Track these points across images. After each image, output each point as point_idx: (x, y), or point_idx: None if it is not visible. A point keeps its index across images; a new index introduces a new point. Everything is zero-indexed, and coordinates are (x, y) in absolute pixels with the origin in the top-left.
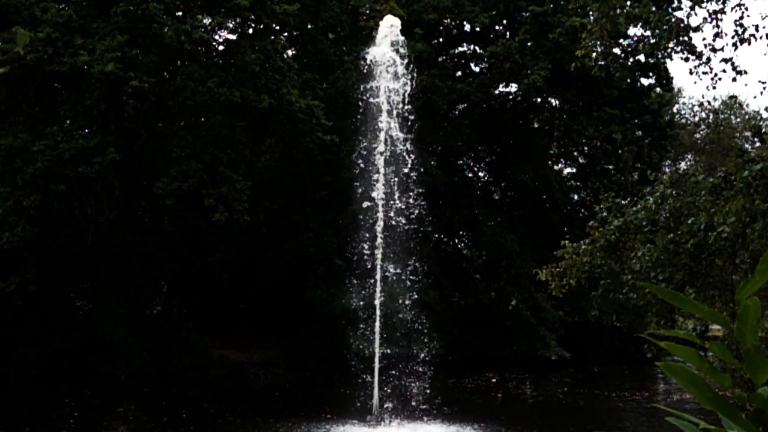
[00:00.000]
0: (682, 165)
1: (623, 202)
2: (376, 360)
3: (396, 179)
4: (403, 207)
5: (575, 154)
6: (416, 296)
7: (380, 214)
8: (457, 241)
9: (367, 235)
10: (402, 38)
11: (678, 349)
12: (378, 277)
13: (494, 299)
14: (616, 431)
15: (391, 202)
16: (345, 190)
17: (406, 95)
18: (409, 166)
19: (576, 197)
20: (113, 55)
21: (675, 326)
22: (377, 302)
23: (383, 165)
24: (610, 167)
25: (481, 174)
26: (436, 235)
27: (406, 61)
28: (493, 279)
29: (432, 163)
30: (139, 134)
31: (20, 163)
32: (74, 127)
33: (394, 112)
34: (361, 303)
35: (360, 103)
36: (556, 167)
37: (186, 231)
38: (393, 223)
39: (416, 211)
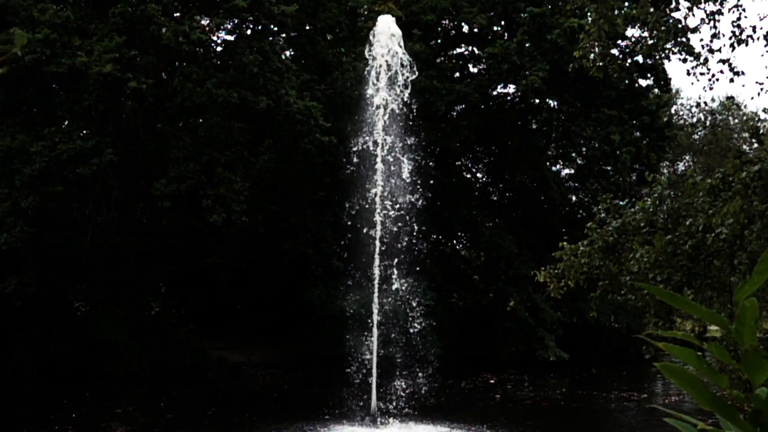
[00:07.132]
0: (680, 166)
1: (621, 203)
2: (374, 361)
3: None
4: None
5: (573, 155)
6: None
7: (378, 215)
8: (455, 242)
9: (365, 236)
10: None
11: (676, 350)
12: (376, 277)
13: (493, 300)
14: None
15: (390, 202)
16: (343, 191)
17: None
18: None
19: (574, 198)
20: (111, 56)
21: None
22: (375, 303)
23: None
24: (609, 168)
25: (479, 175)
26: (435, 236)
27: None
28: (491, 280)
29: (430, 164)
30: (137, 135)
31: (18, 164)
32: (72, 128)
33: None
34: (360, 304)
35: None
36: (554, 168)
37: (184, 232)
38: (391, 223)
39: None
